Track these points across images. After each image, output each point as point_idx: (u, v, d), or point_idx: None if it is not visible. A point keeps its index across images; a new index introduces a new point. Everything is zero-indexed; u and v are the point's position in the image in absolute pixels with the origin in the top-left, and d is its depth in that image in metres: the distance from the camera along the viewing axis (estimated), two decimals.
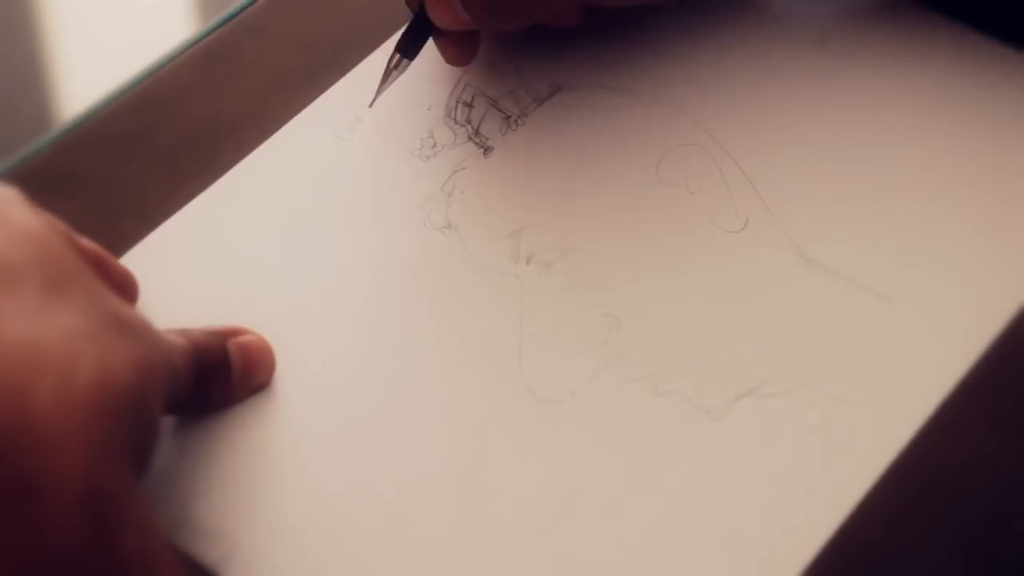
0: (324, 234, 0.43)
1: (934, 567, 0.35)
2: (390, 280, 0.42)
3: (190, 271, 0.42)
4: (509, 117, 0.46)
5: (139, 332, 0.32)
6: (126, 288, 0.40)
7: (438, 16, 0.42)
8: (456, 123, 0.46)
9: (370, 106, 0.45)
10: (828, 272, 0.40)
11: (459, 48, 0.44)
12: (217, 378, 0.38)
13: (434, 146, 0.45)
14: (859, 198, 0.42)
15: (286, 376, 0.39)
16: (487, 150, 0.45)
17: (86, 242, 0.37)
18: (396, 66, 0.44)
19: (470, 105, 0.46)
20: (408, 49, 0.44)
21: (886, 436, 0.37)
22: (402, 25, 0.45)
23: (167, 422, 0.38)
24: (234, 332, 0.39)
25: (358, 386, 0.39)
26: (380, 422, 0.38)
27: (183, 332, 0.36)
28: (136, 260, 0.42)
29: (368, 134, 0.46)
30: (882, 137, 0.43)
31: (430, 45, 0.45)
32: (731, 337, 0.39)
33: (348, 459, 0.38)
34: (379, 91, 0.45)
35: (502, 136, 0.45)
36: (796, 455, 0.37)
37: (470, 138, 0.45)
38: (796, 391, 0.38)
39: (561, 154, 0.44)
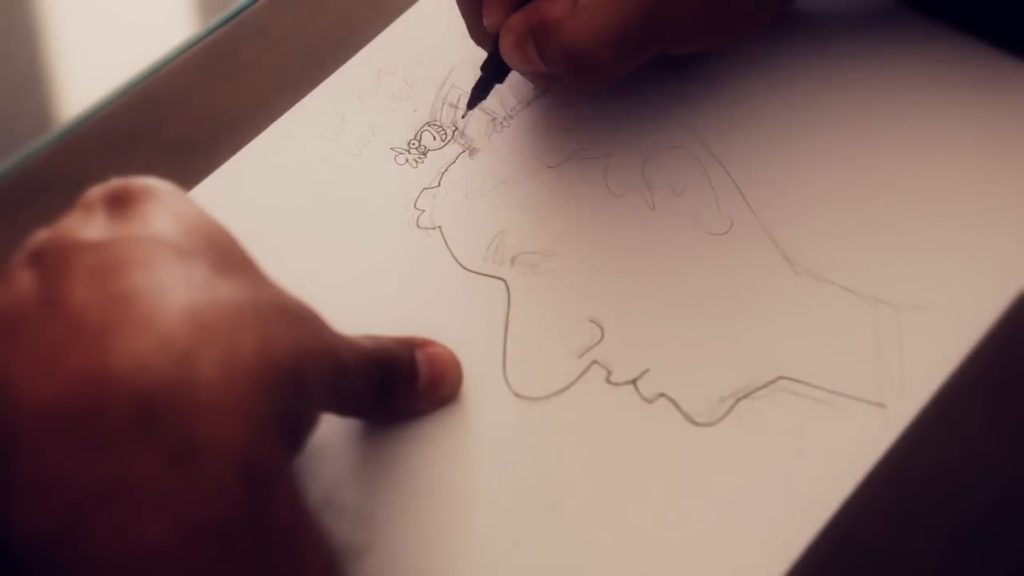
0: (308, 236, 0.43)
1: (934, 566, 0.35)
2: (374, 281, 0.42)
3: None
4: (495, 119, 0.45)
5: (304, 322, 0.32)
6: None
7: (514, 65, 0.41)
8: (442, 124, 0.46)
9: (463, 117, 0.45)
10: (813, 274, 0.40)
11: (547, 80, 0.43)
12: (402, 385, 0.38)
13: (419, 147, 0.45)
14: (845, 200, 0.41)
15: None
16: (472, 151, 0.45)
17: None
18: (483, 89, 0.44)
19: (456, 106, 0.46)
20: (495, 75, 0.43)
21: (872, 438, 0.37)
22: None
23: (345, 425, 0.38)
24: (423, 343, 0.39)
25: None
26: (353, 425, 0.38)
27: (371, 337, 0.37)
28: None
29: (353, 135, 0.46)
30: (869, 139, 0.43)
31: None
32: (716, 340, 0.39)
33: (332, 460, 0.38)
34: (470, 104, 0.44)
35: (487, 137, 0.45)
36: (781, 459, 0.37)
37: (455, 139, 0.45)
38: (781, 394, 0.38)
39: (546, 156, 0.44)
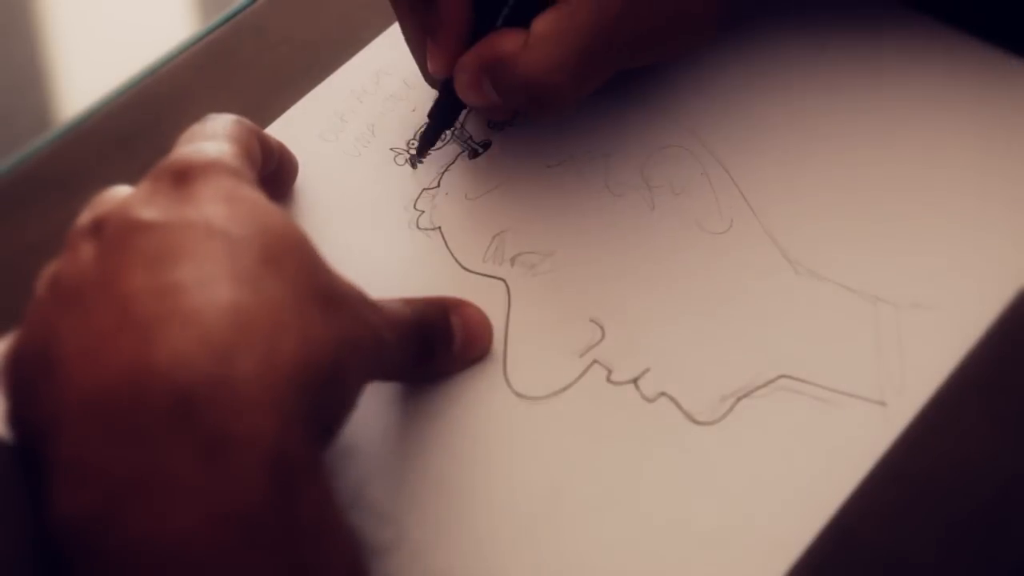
0: None
1: (933, 567, 0.35)
2: (374, 282, 0.42)
3: None
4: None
5: (347, 307, 0.33)
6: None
7: (470, 101, 0.41)
8: None
9: (416, 162, 0.45)
10: (813, 273, 0.40)
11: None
12: (439, 349, 0.39)
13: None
14: (845, 199, 0.41)
15: None
16: (472, 152, 0.45)
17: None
18: (432, 134, 0.43)
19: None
20: (445, 121, 0.43)
21: (872, 437, 0.37)
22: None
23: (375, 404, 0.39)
24: (457, 304, 0.40)
25: None
26: (363, 421, 0.38)
27: (409, 301, 0.38)
28: None
29: (352, 135, 0.46)
30: (868, 139, 0.43)
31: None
32: (716, 339, 0.39)
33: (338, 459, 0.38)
34: (420, 151, 0.44)
35: (487, 138, 0.45)
36: (782, 457, 0.37)
37: (455, 140, 0.45)
38: (782, 393, 0.38)
39: (545, 156, 0.44)
